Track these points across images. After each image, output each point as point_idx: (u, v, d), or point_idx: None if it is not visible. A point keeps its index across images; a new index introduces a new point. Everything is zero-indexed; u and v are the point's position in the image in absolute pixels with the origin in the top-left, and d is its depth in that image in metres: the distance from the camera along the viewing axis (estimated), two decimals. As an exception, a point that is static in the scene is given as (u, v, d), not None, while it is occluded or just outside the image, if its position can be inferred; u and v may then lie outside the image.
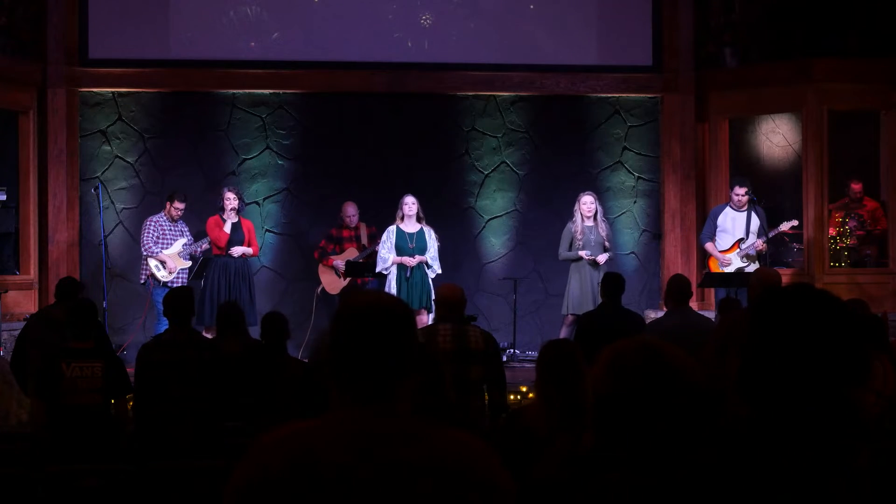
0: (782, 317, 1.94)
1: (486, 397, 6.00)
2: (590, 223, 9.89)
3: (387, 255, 9.78)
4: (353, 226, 10.56)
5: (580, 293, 9.74)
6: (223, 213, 10.16)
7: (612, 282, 7.53)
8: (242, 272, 10.13)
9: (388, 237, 9.82)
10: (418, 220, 9.89)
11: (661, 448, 2.07)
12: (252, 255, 10.30)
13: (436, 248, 9.89)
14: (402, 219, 9.88)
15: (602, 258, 9.81)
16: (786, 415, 1.90)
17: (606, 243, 9.93)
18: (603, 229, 9.93)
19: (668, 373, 2.10)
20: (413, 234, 9.83)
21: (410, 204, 9.86)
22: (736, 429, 1.93)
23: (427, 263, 9.81)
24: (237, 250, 10.08)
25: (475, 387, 5.86)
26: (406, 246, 9.77)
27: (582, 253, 9.75)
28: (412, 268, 9.76)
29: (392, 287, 9.73)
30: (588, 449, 2.20)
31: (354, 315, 2.00)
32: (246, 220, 10.37)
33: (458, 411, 5.27)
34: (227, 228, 10.09)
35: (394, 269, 9.80)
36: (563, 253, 9.93)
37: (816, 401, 1.90)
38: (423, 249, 9.81)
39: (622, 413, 2.12)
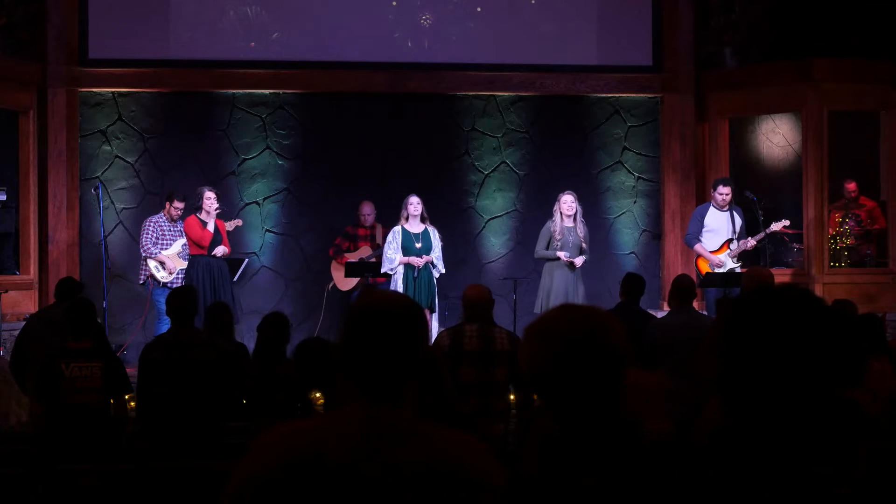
0: (756, 319, 1.93)
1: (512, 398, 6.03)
2: (569, 223, 9.82)
3: (393, 256, 9.77)
4: (369, 225, 10.59)
5: (553, 293, 9.69)
6: (200, 213, 9.90)
7: (633, 283, 7.49)
8: (223, 272, 10.02)
9: (394, 237, 9.81)
10: (422, 220, 9.88)
11: (585, 407, 2.11)
12: (227, 255, 10.19)
13: (440, 247, 9.90)
14: (407, 219, 9.84)
15: (579, 261, 9.73)
16: (769, 419, 1.89)
17: (584, 245, 9.86)
18: (581, 230, 9.84)
19: (594, 333, 2.15)
20: (418, 234, 9.82)
21: (416, 204, 9.82)
22: (718, 436, 1.92)
23: (432, 263, 9.82)
24: (219, 250, 10.00)
25: (500, 388, 5.86)
26: (413, 246, 9.76)
27: (560, 254, 9.68)
28: (419, 268, 9.74)
29: (398, 287, 9.72)
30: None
31: (368, 314, 2.01)
32: (219, 220, 10.26)
33: (455, 411, 5.28)
34: (211, 228, 9.93)
35: (400, 270, 9.80)
36: (540, 252, 9.87)
37: (803, 403, 1.88)
38: (428, 249, 9.80)
39: (554, 379, 2.15)
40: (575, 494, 2.12)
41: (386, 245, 9.86)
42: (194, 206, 9.93)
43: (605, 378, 2.17)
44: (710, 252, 9.96)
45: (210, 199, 9.85)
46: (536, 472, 2.18)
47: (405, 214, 9.82)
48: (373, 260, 10.31)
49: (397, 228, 9.83)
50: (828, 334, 1.89)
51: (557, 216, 9.81)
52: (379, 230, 10.60)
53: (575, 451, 2.15)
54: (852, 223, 10.99)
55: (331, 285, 10.71)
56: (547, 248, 9.81)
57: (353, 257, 10.47)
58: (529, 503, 2.15)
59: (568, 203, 9.81)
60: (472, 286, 6.20)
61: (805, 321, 1.89)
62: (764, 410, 1.88)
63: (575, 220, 9.83)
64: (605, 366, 2.17)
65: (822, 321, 1.90)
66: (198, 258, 9.80)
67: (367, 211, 10.60)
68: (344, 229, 10.73)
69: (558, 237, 9.74)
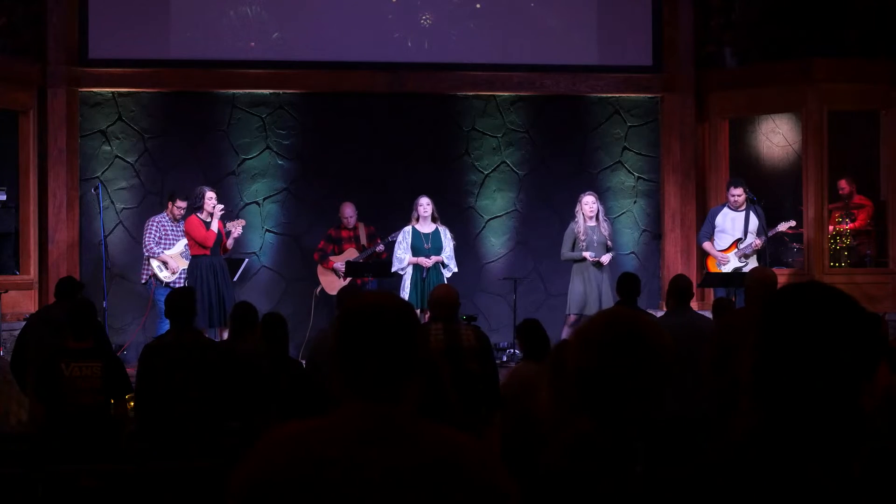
0: (798, 315, 1.93)
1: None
2: (592, 223, 9.89)
3: (403, 256, 9.86)
4: (352, 226, 10.57)
5: (583, 294, 9.75)
6: (201, 213, 9.88)
7: (629, 282, 7.52)
8: (225, 271, 10.01)
9: (405, 238, 9.88)
10: (433, 220, 9.95)
11: (634, 414, 2.12)
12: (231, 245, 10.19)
13: (451, 247, 9.96)
14: (418, 219, 9.94)
15: (606, 258, 9.82)
16: (804, 417, 1.89)
17: (609, 243, 9.93)
18: (605, 229, 9.92)
19: (635, 338, 2.17)
20: (429, 234, 9.90)
21: (425, 205, 9.92)
22: (748, 437, 1.92)
23: (443, 263, 9.88)
24: (231, 240, 10.00)
25: (469, 384, 5.88)
26: (422, 246, 9.84)
27: (586, 254, 9.75)
28: (428, 268, 9.80)
29: (407, 287, 9.77)
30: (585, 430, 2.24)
31: (359, 315, 2.01)
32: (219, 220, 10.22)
33: (459, 410, 5.29)
34: (215, 227, 9.91)
35: (409, 270, 9.84)
36: (566, 253, 9.93)
37: (834, 401, 1.89)
38: (438, 250, 9.87)
39: (596, 382, 2.16)
40: (606, 494, 2.13)
41: (396, 245, 9.93)
42: (194, 206, 9.87)
43: (647, 382, 2.19)
44: (718, 251, 10.02)
45: (212, 199, 9.82)
46: (566, 470, 2.19)
47: (415, 215, 9.93)
48: (360, 261, 10.31)
49: (408, 229, 9.91)
50: (861, 332, 1.90)
51: (580, 217, 9.88)
52: (362, 230, 10.57)
53: (610, 452, 2.16)
54: (850, 221, 10.99)
55: (318, 290, 10.67)
56: (572, 250, 9.86)
57: (339, 260, 10.43)
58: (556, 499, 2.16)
59: (589, 204, 9.89)
60: (438, 286, 6.31)
61: (841, 318, 1.91)
62: (800, 409, 1.88)
63: (597, 219, 9.90)
64: (648, 370, 2.18)
65: (857, 319, 1.92)
66: (201, 258, 9.74)
67: (349, 213, 10.55)
68: (327, 232, 10.69)
69: (583, 238, 9.81)
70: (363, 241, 10.51)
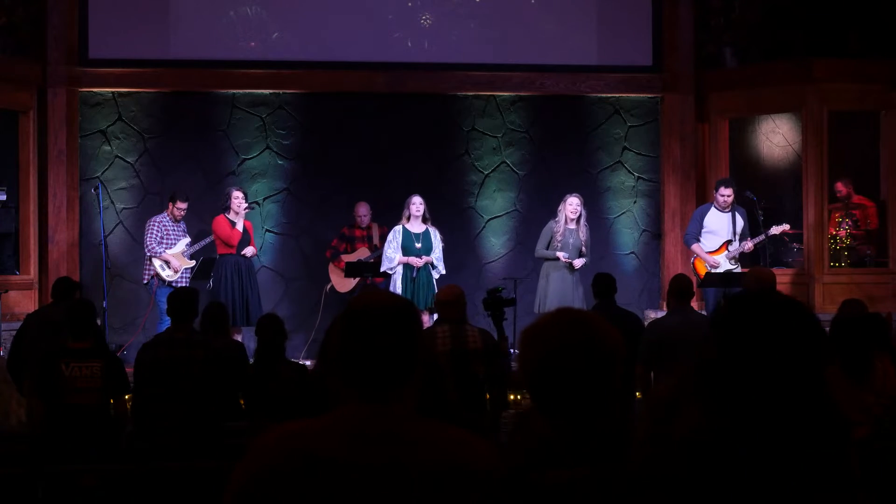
0: (743, 325, 1.95)
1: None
2: (572, 226, 9.82)
3: (393, 255, 9.82)
4: (365, 225, 10.59)
5: (552, 293, 9.68)
6: (228, 213, 10.10)
7: (604, 282, 7.46)
8: (251, 271, 10.18)
9: (395, 237, 9.85)
10: (424, 220, 9.91)
11: (585, 411, 2.12)
12: (255, 255, 10.36)
13: (440, 248, 9.92)
14: (409, 219, 9.89)
15: (578, 263, 9.72)
16: (749, 420, 1.89)
17: (584, 248, 9.84)
18: (583, 234, 9.82)
19: (584, 336, 2.17)
20: (419, 234, 9.86)
21: (418, 204, 9.88)
22: (695, 434, 1.93)
23: (432, 264, 9.84)
24: (249, 250, 10.12)
25: (475, 385, 5.89)
26: (412, 246, 9.80)
27: (559, 254, 9.69)
28: (418, 268, 9.78)
29: (397, 287, 9.75)
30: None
31: (362, 314, 2.02)
32: (247, 221, 10.37)
33: (460, 410, 5.30)
34: (240, 227, 10.09)
35: (399, 269, 9.82)
36: (540, 251, 9.87)
37: (782, 406, 1.89)
38: (429, 250, 9.84)
39: (546, 379, 2.16)
40: (557, 488, 2.13)
41: (386, 244, 9.90)
42: (222, 206, 10.14)
43: (597, 382, 2.19)
44: (708, 253, 9.93)
45: (238, 199, 10.07)
46: (523, 467, 2.19)
47: (407, 214, 9.88)
48: (371, 261, 10.31)
49: (398, 228, 9.87)
50: (809, 340, 1.91)
51: (561, 217, 9.82)
52: (375, 230, 10.60)
53: (564, 453, 2.16)
54: (850, 223, 10.98)
55: (328, 287, 10.70)
56: (547, 248, 9.81)
57: (350, 259, 10.45)
58: (517, 495, 2.17)
59: (573, 206, 9.82)
60: (443, 287, 6.34)
61: (787, 327, 1.91)
62: (744, 411, 1.89)
63: (578, 222, 9.83)
64: (596, 370, 2.19)
65: (805, 327, 1.92)
66: (226, 257, 9.97)
67: (363, 212, 10.58)
68: (340, 231, 10.72)
69: (559, 238, 9.75)
70: (375, 241, 10.53)
